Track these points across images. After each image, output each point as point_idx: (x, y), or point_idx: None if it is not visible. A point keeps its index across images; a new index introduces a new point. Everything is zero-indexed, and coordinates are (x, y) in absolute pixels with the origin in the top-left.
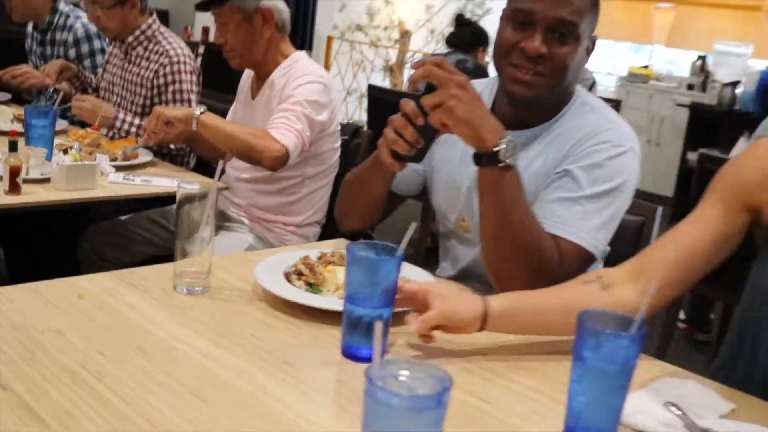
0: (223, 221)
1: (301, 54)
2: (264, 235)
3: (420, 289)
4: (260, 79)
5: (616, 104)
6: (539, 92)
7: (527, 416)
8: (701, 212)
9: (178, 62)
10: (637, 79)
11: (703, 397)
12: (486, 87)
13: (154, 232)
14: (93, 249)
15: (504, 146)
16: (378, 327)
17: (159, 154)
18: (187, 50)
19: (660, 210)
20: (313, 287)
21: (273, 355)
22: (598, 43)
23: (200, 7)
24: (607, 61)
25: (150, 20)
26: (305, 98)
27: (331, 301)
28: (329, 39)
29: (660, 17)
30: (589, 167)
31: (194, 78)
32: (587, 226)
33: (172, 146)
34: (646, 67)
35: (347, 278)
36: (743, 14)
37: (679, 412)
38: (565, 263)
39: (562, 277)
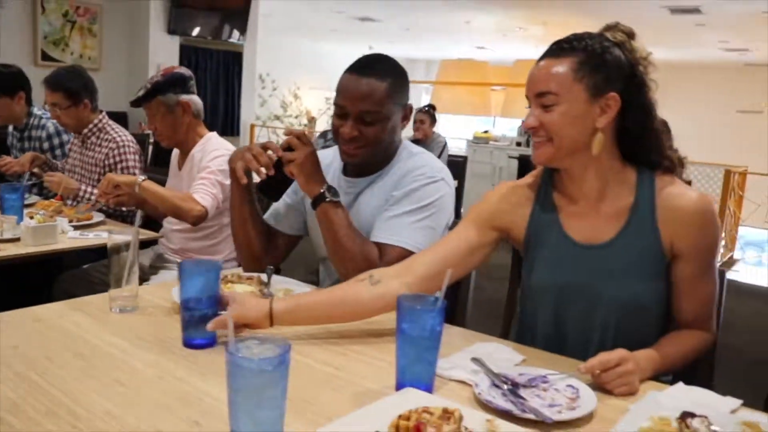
0: (162, 263)
1: (213, 134)
2: None
3: (225, 296)
4: (183, 154)
5: (463, 159)
6: (362, 159)
7: (370, 377)
8: (458, 229)
9: (123, 146)
10: (480, 141)
11: (501, 353)
12: (336, 152)
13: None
14: (65, 292)
15: (323, 191)
16: (229, 318)
17: (113, 216)
18: (130, 137)
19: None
20: None
21: (182, 351)
22: (450, 116)
23: (134, 104)
24: (459, 128)
25: (100, 116)
26: (217, 168)
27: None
28: (252, 126)
29: (495, 96)
30: (409, 192)
31: (137, 157)
32: (405, 232)
33: (124, 209)
34: (486, 132)
35: (182, 288)
36: None
37: (481, 365)
38: (386, 261)
39: None
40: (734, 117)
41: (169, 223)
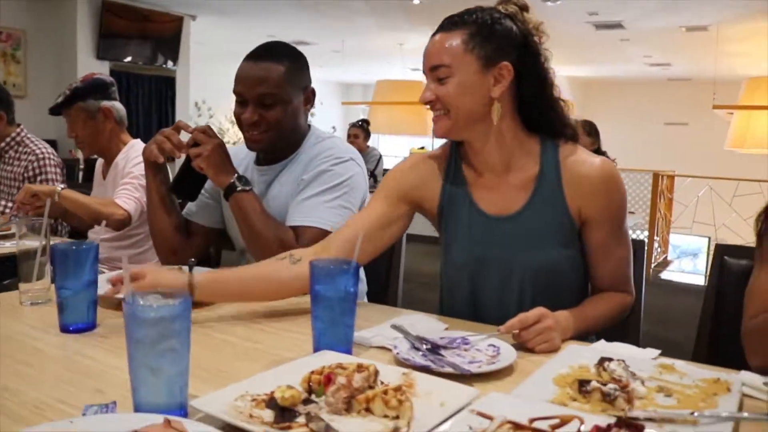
0: None
1: (137, 141)
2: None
3: (143, 269)
4: (107, 163)
5: None
6: (266, 144)
7: (289, 348)
8: (370, 204)
9: (44, 158)
10: None
11: (424, 323)
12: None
13: None
14: None
15: (233, 181)
16: (126, 272)
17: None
18: (50, 149)
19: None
20: None
21: (92, 333)
22: (389, 137)
23: (53, 111)
24: (397, 147)
25: (18, 129)
26: (140, 172)
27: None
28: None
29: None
30: (318, 174)
31: (58, 170)
32: (318, 213)
33: (51, 220)
34: (422, 147)
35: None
36: None
37: (401, 331)
38: (303, 242)
39: None
40: (662, 128)
41: (95, 233)
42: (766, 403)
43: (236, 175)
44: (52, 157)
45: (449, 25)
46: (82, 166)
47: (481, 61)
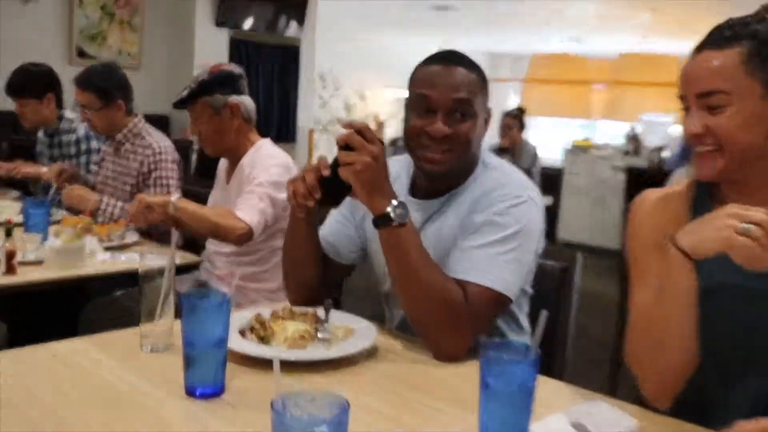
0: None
1: (266, 141)
2: (240, 300)
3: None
4: (232, 165)
5: (558, 172)
6: (450, 166)
7: None
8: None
9: (160, 153)
10: (579, 149)
11: (610, 415)
12: (403, 164)
13: None
14: (91, 323)
15: (391, 209)
16: (276, 364)
17: (149, 235)
18: (168, 143)
19: (579, 256)
20: (264, 340)
21: (221, 401)
22: (545, 120)
23: (177, 106)
24: (553, 134)
25: (136, 120)
26: (267, 179)
27: (273, 349)
28: (311, 132)
29: (596, 96)
30: (491, 218)
31: (174, 166)
32: (492, 269)
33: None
34: (586, 139)
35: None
36: (664, 90)
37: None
38: (474, 305)
39: (474, 318)
40: None
41: (213, 245)
42: None
43: (394, 201)
44: (169, 152)
45: (720, 40)
46: (196, 148)
47: (764, 86)
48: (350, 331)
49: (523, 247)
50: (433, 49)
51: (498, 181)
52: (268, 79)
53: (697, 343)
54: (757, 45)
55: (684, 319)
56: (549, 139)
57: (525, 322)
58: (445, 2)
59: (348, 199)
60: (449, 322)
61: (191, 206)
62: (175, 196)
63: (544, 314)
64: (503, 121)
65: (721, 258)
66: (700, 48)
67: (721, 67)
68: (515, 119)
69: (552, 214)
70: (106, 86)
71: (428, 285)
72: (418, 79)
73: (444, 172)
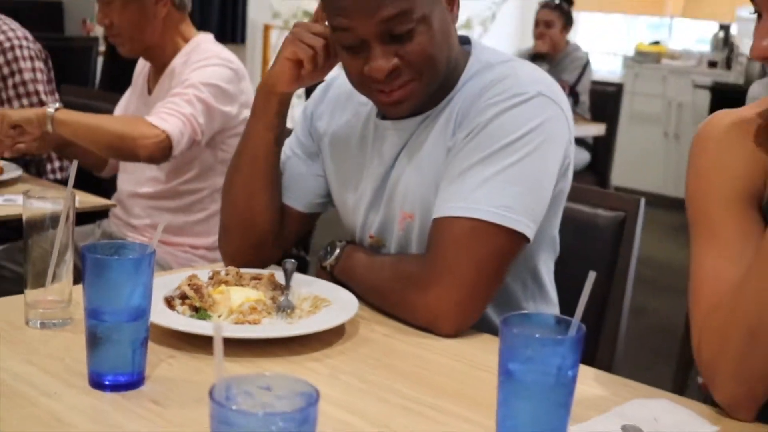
0: None
1: (207, 36)
2: (166, 260)
3: None
4: (157, 70)
5: (617, 88)
6: (420, 95)
7: None
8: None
9: (12, 47)
10: (646, 58)
11: (676, 418)
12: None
13: None
14: None
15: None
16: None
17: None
18: (21, 32)
19: (643, 202)
20: (199, 312)
21: (139, 394)
22: (601, 16)
23: None
24: (611, 37)
25: None
26: (202, 81)
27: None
28: (266, 28)
29: None
30: (481, 126)
31: (37, 65)
32: (484, 195)
33: (42, 155)
34: (657, 43)
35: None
36: None
37: None
38: (467, 249)
39: (459, 268)
40: None
41: (130, 184)
42: None
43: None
44: (25, 44)
45: None
46: (101, 49)
47: None
48: (321, 301)
49: (534, 160)
50: None
51: (493, 77)
52: None
53: None
54: None
55: None
56: (606, 43)
57: (551, 289)
58: None
59: (307, 120)
60: (425, 287)
61: (78, 117)
62: (52, 107)
63: (591, 276)
64: (539, 16)
65: None
66: None
67: None
68: (557, 12)
69: (605, 150)
70: None
71: (392, 295)
72: (330, 6)
73: (416, 103)
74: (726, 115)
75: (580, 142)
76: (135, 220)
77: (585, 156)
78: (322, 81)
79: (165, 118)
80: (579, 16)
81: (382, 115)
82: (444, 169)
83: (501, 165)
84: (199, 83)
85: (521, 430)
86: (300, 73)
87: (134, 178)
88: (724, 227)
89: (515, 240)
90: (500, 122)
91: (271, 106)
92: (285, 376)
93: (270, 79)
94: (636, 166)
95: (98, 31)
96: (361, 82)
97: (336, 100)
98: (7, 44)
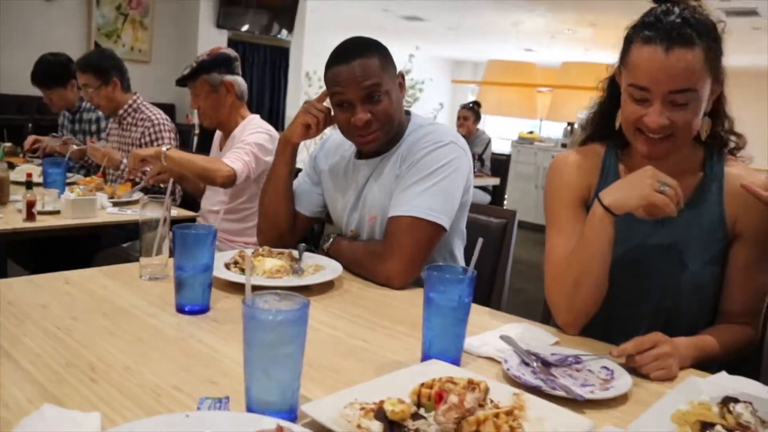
0: None
1: (256, 116)
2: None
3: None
4: (225, 135)
5: (507, 157)
6: (382, 140)
7: (398, 351)
8: (569, 220)
9: (159, 124)
10: (525, 141)
11: (534, 333)
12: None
13: None
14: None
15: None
16: (248, 262)
17: (151, 192)
18: (164, 116)
19: (517, 214)
20: (243, 272)
21: (206, 317)
22: (496, 118)
23: (179, 83)
24: (504, 129)
25: (135, 96)
26: (254, 141)
27: (256, 279)
28: None
29: (541, 98)
30: (416, 162)
31: (172, 135)
32: (417, 201)
33: (162, 185)
34: (531, 132)
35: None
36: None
37: (510, 343)
38: (405, 235)
39: (407, 247)
40: None
41: (208, 203)
42: None
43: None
44: (166, 123)
45: (685, 38)
46: (197, 132)
47: (713, 80)
48: (320, 267)
49: (449, 180)
50: (405, 54)
51: (422, 133)
52: (260, 76)
53: (607, 284)
54: (710, 42)
55: (600, 263)
56: (503, 131)
57: (461, 261)
58: (416, 13)
59: (312, 160)
60: (383, 259)
61: (180, 153)
62: (165, 147)
63: (480, 241)
64: (460, 113)
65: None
66: (670, 45)
67: (693, 66)
68: (471, 111)
69: (500, 194)
70: (102, 66)
71: (363, 265)
72: (329, 80)
73: (379, 144)
74: (568, 155)
75: (484, 188)
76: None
77: (487, 197)
78: (318, 137)
79: (233, 161)
80: (487, 117)
81: (358, 156)
82: (395, 188)
83: (428, 184)
84: (252, 143)
85: (436, 338)
86: (307, 132)
87: (210, 201)
88: (565, 221)
89: (438, 229)
90: (428, 158)
91: (287, 151)
92: (288, 293)
93: (287, 134)
94: (518, 205)
95: (195, 120)
96: (347, 129)
97: (329, 149)
98: (156, 122)
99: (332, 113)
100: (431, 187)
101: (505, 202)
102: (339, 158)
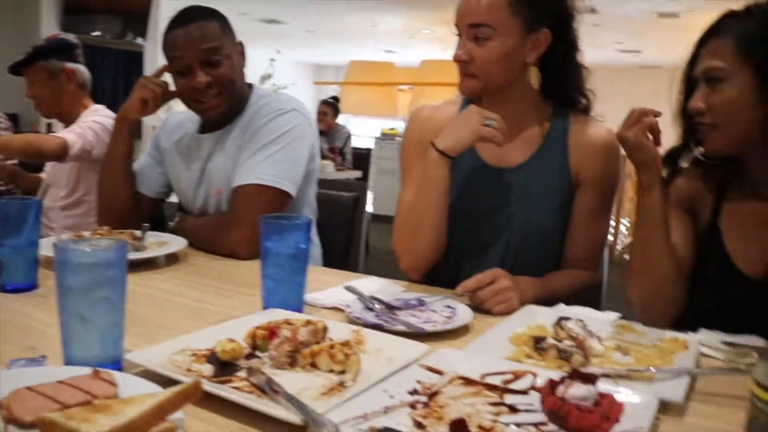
0: None
1: (101, 106)
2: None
3: None
4: (67, 127)
5: (368, 151)
6: (224, 106)
7: (239, 308)
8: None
9: None
10: (387, 137)
11: (381, 285)
12: (187, 114)
13: None
14: None
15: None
16: None
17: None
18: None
19: (367, 186)
20: None
21: (34, 293)
22: (359, 118)
23: (12, 70)
24: (367, 129)
25: None
26: (93, 120)
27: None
28: (153, 128)
29: (402, 97)
30: (257, 130)
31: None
32: (259, 169)
33: (2, 187)
34: (393, 129)
35: None
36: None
37: (354, 292)
38: (246, 204)
39: (249, 215)
40: None
41: (53, 200)
42: (723, 362)
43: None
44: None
45: None
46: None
47: (524, 27)
48: (163, 243)
49: (291, 147)
50: (266, 59)
51: (264, 102)
52: (111, 81)
53: (446, 228)
54: None
55: (438, 207)
56: (367, 129)
57: (314, 234)
58: (274, 16)
59: (154, 140)
60: (228, 229)
61: (4, 138)
62: None
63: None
64: (319, 108)
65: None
66: None
67: (491, 4)
68: (329, 106)
69: (364, 188)
70: None
71: (209, 238)
72: (168, 46)
73: (223, 111)
74: (420, 108)
75: (347, 183)
76: (53, 224)
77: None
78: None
79: (66, 133)
80: (350, 118)
81: (201, 131)
82: (238, 159)
83: (271, 151)
84: (92, 121)
85: (276, 288)
86: (145, 107)
87: (51, 198)
88: (416, 174)
89: (283, 196)
90: (269, 126)
91: (124, 128)
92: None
93: (123, 110)
94: (383, 199)
95: (41, 127)
96: (188, 96)
97: (172, 128)
98: None
99: (170, 88)
100: (274, 154)
101: (370, 196)
102: (181, 135)
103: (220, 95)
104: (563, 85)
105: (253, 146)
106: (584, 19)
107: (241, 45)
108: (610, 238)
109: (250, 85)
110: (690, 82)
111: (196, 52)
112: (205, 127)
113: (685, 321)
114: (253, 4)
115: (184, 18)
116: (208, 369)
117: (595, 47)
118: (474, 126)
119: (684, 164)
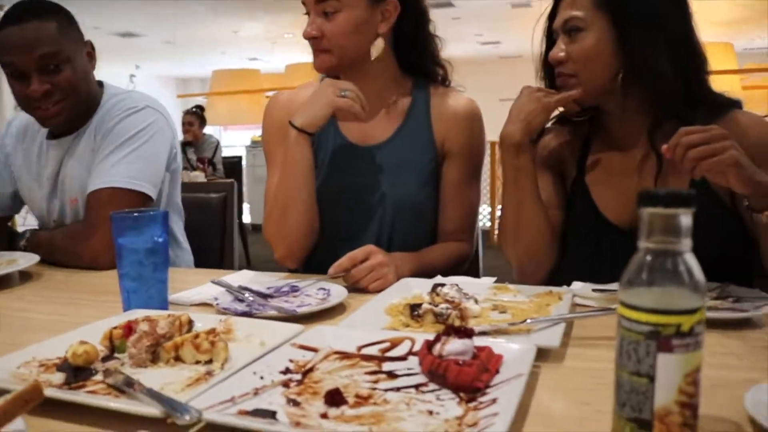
0: None
1: None
2: None
3: None
4: None
5: (238, 159)
6: (66, 114)
7: (99, 316)
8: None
9: None
10: (258, 144)
11: (254, 277)
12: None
13: None
14: None
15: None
16: None
17: None
18: None
19: (235, 185)
20: None
21: None
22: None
23: None
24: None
25: None
26: None
27: None
28: None
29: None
30: (110, 131)
31: None
32: (113, 171)
33: None
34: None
35: None
36: None
37: (222, 285)
38: (100, 210)
39: (104, 222)
40: (498, 104)
41: None
42: (595, 308)
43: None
44: None
45: None
46: None
47: (370, 5)
48: (13, 261)
49: (148, 145)
50: (125, 76)
51: (116, 101)
52: None
53: (316, 209)
54: None
55: (304, 186)
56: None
57: (183, 240)
58: (131, 29)
59: None
60: (85, 238)
61: None
62: None
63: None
64: (184, 119)
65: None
66: None
67: None
68: (195, 116)
69: (238, 196)
70: None
71: (64, 249)
72: (1, 48)
73: (65, 119)
74: (278, 95)
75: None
76: None
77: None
78: None
79: None
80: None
81: (50, 137)
82: (91, 164)
83: (125, 152)
84: None
85: (136, 287)
86: None
87: None
88: (275, 156)
89: (142, 199)
90: (122, 125)
91: None
92: None
93: None
94: (258, 207)
95: None
96: (25, 103)
97: (16, 133)
98: None
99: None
100: (129, 155)
101: (245, 206)
102: (29, 143)
103: (62, 102)
104: (419, 56)
105: (106, 148)
106: (445, 14)
107: (90, 46)
108: (488, 224)
109: (101, 83)
110: (551, 37)
111: (30, 58)
112: (55, 133)
113: (559, 276)
114: (107, 17)
115: (20, 15)
116: (58, 377)
117: (457, 41)
118: (329, 98)
119: (548, 123)
